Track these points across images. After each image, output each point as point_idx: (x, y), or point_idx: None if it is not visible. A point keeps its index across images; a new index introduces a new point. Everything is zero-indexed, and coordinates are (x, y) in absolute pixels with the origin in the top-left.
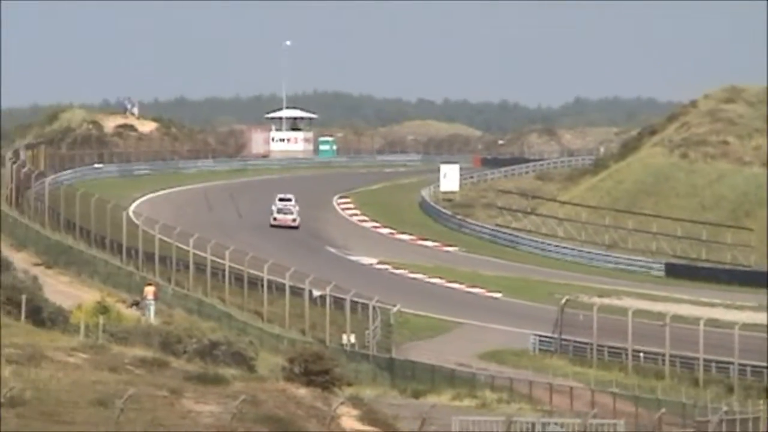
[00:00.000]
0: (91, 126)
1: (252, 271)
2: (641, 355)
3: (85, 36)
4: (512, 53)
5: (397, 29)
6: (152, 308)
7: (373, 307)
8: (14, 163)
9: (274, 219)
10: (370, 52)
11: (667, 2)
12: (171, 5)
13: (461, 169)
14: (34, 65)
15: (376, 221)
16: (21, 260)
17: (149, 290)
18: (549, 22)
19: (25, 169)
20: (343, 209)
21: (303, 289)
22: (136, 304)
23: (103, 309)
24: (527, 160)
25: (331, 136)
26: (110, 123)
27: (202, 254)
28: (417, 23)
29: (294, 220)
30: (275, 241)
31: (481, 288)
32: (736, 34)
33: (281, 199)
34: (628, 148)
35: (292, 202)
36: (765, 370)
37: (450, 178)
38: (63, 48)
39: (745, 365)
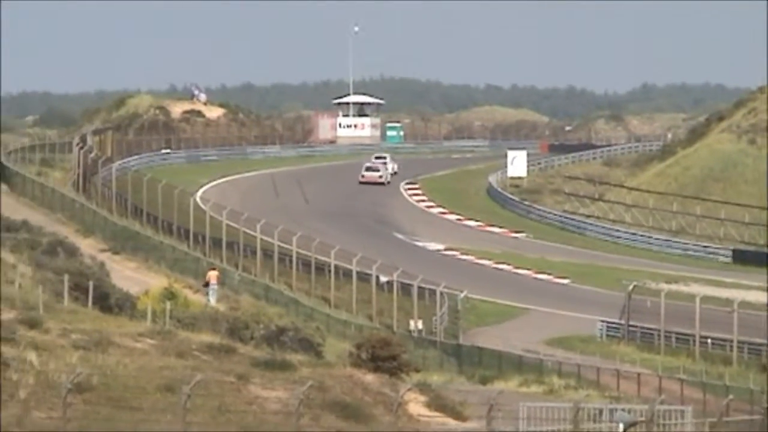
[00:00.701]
0: (158, 112)
1: (319, 257)
2: (709, 341)
3: (153, 22)
4: (580, 38)
5: (465, 14)
6: (215, 293)
7: (441, 293)
8: (81, 148)
9: (362, 176)
10: (437, 38)
11: None
12: None
13: (528, 155)
14: (101, 50)
15: (443, 207)
16: (88, 246)
17: (212, 275)
18: (617, 8)
19: (93, 155)
20: (410, 195)
21: (370, 275)
22: (206, 285)
23: (170, 295)
24: (594, 146)
25: (398, 122)
26: (177, 109)
27: (269, 240)
28: (485, 8)
29: (381, 176)
30: (342, 227)
31: (549, 274)
32: None
33: (377, 158)
34: (696, 134)
35: (386, 160)
36: None
37: (517, 164)
38: (130, 33)
39: None
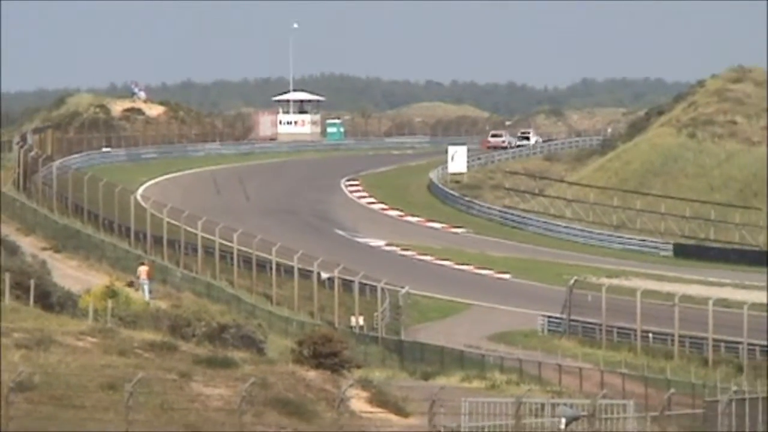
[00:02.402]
0: (98, 110)
1: (260, 254)
2: (650, 335)
3: (91, 19)
4: (520, 34)
5: (405, 11)
6: (146, 288)
7: (382, 289)
8: (22, 147)
9: (488, 141)
10: (377, 34)
11: None
12: None
13: (469, 150)
14: (39, 49)
15: (384, 203)
16: (29, 245)
17: (142, 270)
18: (556, 3)
19: (33, 154)
20: (351, 192)
21: (312, 272)
22: (131, 284)
23: (111, 293)
24: (528, 139)
25: (338, 118)
26: (117, 107)
27: (211, 237)
28: (424, 4)
29: (503, 141)
30: (283, 224)
31: (490, 269)
32: (743, 14)
33: (522, 134)
34: (636, 128)
35: (530, 134)
36: None
37: (458, 159)
38: (68, 32)
39: (754, 345)
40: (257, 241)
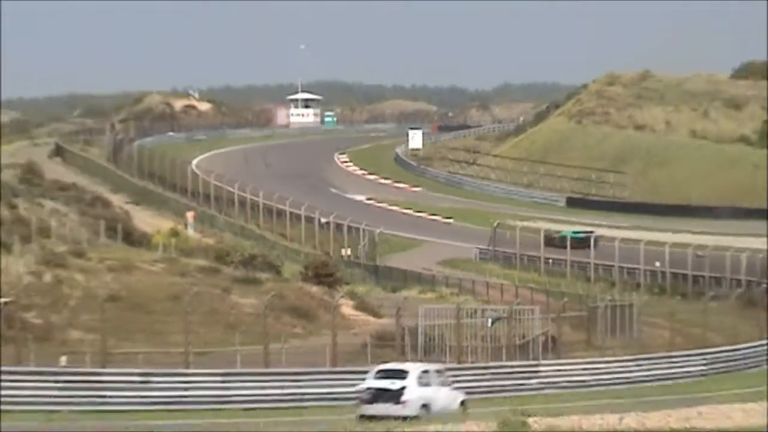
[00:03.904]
0: (165, 106)
1: (278, 206)
2: (550, 260)
3: (160, 35)
4: (460, 47)
5: (381, 30)
6: (191, 226)
7: (363, 230)
8: (111, 131)
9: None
10: (360, 49)
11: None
12: (219, 13)
13: (424, 133)
14: (124, 58)
15: (365, 170)
16: (117, 200)
17: (189, 214)
18: (483, 21)
19: (119, 137)
20: (341, 162)
21: (314, 218)
22: (184, 226)
23: (174, 233)
24: (469, 127)
25: (332, 111)
26: (178, 104)
27: (243, 194)
28: (395, 24)
29: None
30: (293, 186)
31: (438, 216)
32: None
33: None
34: (540, 117)
35: None
36: (638, 270)
37: (416, 139)
38: (146, 46)
39: (623, 267)
40: (276, 197)
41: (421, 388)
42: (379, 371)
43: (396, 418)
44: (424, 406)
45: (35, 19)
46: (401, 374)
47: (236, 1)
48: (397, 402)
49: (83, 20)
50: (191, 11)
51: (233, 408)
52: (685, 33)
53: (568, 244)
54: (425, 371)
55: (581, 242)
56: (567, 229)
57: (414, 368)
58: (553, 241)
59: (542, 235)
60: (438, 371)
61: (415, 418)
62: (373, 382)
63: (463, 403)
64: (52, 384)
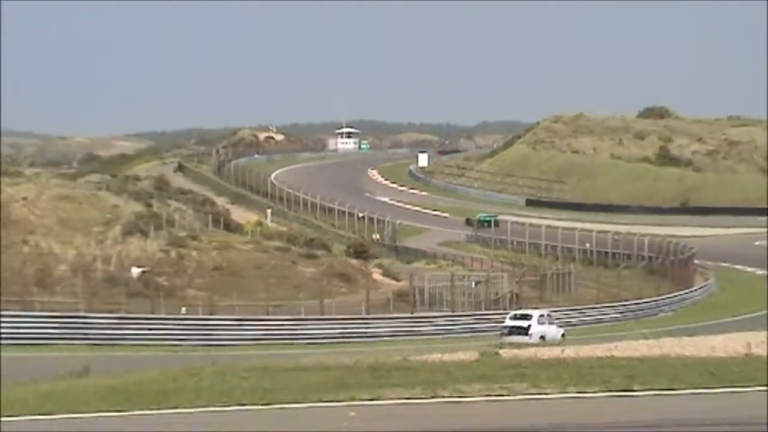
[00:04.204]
0: (252, 137)
1: (329, 204)
2: (515, 242)
3: (250, 86)
4: (453, 95)
5: (399, 84)
6: (270, 217)
7: (387, 221)
8: (216, 154)
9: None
10: (385, 96)
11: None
12: (289, 70)
13: (428, 156)
14: (225, 102)
15: (389, 180)
16: (220, 201)
17: (268, 211)
18: (472, 78)
19: (222, 158)
20: (372, 175)
21: (353, 213)
22: (264, 217)
23: (259, 224)
24: (459, 151)
25: (366, 140)
26: (261, 135)
27: (305, 196)
28: (409, 80)
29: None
30: (339, 190)
31: (438, 211)
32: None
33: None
34: (507, 145)
35: None
36: (574, 248)
37: (423, 160)
38: (238, 92)
39: (565, 247)
40: (327, 198)
41: (539, 326)
42: (513, 315)
43: (525, 344)
44: (542, 337)
45: (170, 68)
46: (527, 317)
47: (300, 64)
48: (525, 334)
49: (200, 72)
50: (272, 69)
51: (299, 343)
52: (612, 79)
53: (476, 224)
54: (541, 315)
55: (486, 223)
56: (492, 216)
57: (535, 313)
58: (472, 222)
59: (509, 224)
60: (549, 315)
61: (536, 344)
62: (510, 322)
63: (563, 335)
64: (175, 326)
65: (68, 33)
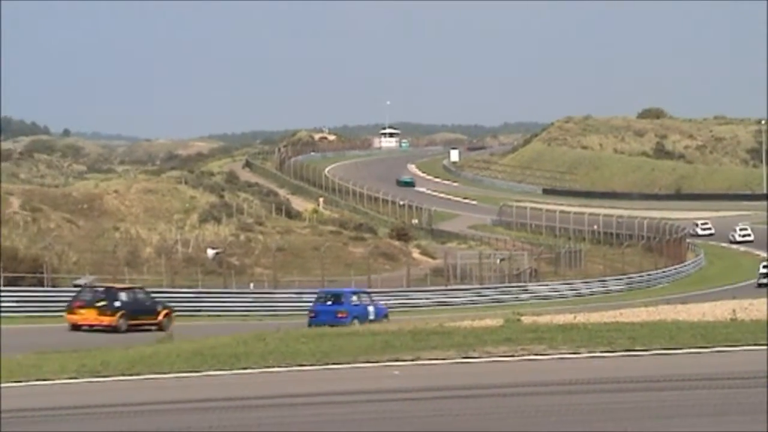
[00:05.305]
0: (309, 137)
1: (375, 194)
2: (533, 224)
3: (309, 92)
4: (481, 101)
5: (435, 91)
6: (321, 205)
7: (424, 208)
8: (279, 153)
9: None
10: (423, 100)
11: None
12: (339, 80)
13: (459, 152)
14: (287, 106)
15: (428, 174)
16: (282, 192)
17: (322, 200)
18: (497, 85)
19: (283, 156)
20: (412, 169)
21: (396, 202)
22: (318, 205)
23: (315, 211)
24: (485, 148)
25: (406, 140)
26: (317, 136)
27: (354, 187)
28: (443, 87)
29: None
30: (384, 182)
31: (467, 199)
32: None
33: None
34: (526, 142)
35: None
36: (584, 229)
37: (454, 156)
38: (298, 98)
39: (575, 228)
40: (374, 189)
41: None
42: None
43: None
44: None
45: (239, 79)
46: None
47: (352, 74)
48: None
49: (265, 82)
50: (326, 79)
51: None
52: (615, 86)
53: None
54: (354, 293)
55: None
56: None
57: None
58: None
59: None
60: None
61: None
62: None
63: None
64: (244, 299)
65: (150, 44)
